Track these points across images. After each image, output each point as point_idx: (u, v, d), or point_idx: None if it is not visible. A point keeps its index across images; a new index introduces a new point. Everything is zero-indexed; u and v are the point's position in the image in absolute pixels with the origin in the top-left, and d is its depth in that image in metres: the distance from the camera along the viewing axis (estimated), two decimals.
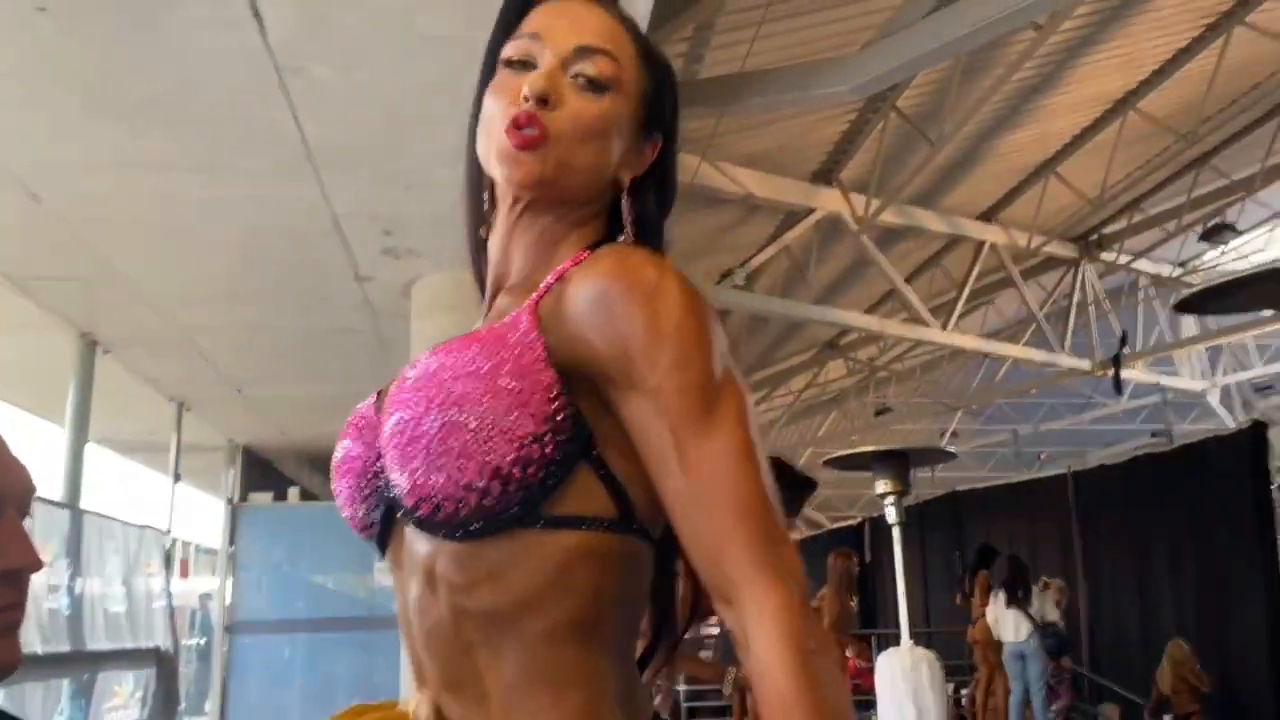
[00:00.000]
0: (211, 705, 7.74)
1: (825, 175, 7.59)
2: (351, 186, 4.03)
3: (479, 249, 1.04)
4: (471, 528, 0.81)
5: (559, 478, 0.81)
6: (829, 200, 7.59)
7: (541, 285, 0.88)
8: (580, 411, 0.82)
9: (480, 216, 1.02)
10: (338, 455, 0.95)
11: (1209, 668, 8.13)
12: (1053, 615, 7.87)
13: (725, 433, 0.79)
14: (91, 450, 6.14)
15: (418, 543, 0.86)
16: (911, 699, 6.10)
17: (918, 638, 7.23)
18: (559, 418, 0.81)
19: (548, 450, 0.80)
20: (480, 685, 0.83)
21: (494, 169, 0.92)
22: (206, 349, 6.26)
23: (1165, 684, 7.70)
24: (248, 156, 3.77)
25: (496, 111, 0.91)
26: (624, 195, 0.96)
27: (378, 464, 0.89)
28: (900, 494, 6.57)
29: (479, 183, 1.01)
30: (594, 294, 0.82)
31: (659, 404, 0.80)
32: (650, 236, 0.96)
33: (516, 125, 0.88)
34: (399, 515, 0.88)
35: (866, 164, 7.31)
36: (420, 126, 3.55)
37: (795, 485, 3.06)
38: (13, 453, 0.93)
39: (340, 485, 0.94)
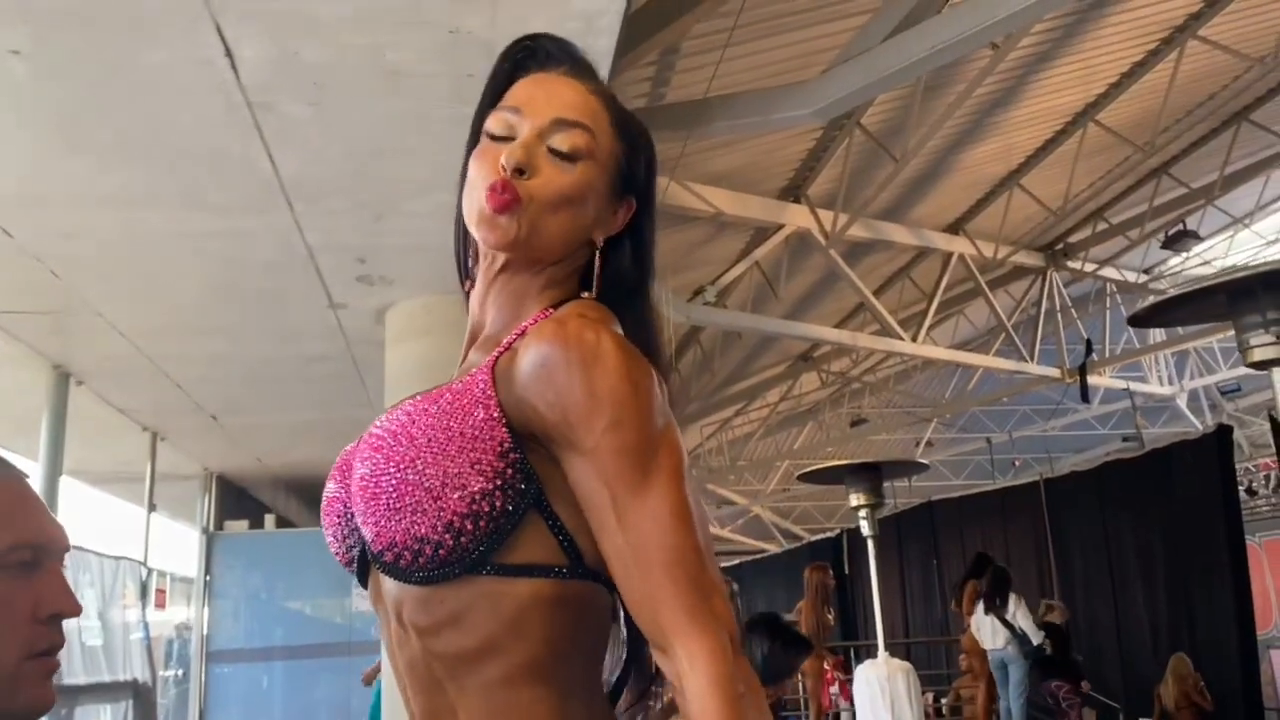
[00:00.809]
0: None
1: (793, 192, 7.69)
2: (324, 217, 4.06)
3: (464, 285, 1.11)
4: (430, 575, 0.87)
5: (510, 529, 0.87)
6: (797, 216, 7.69)
7: (503, 343, 0.95)
8: (531, 467, 0.88)
9: (466, 273, 1.10)
10: (325, 495, 1.02)
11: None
12: (1026, 625, 7.94)
13: (659, 492, 0.85)
14: (66, 483, 6.11)
15: (387, 584, 0.93)
16: (889, 709, 6.17)
17: (896, 648, 7.30)
18: (510, 473, 0.87)
19: (498, 504, 0.86)
20: (455, 719, 0.89)
21: (474, 230, 0.99)
22: (180, 378, 6.25)
23: (1169, 698, 7.78)
24: (220, 191, 3.80)
25: (478, 178, 0.98)
26: (596, 254, 1.02)
27: (351, 512, 0.96)
28: (874, 506, 6.66)
29: (465, 242, 1.08)
30: (536, 360, 0.88)
31: (597, 465, 0.85)
32: (631, 296, 1.02)
33: (493, 190, 0.95)
34: (369, 558, 0.94)
35: (833, 180, 7.41)
36: (391, 158, 3.59)
37: (790, 645, 3.13)
38: (49, 512, 1.04)
39: (326, 523, 1.01)
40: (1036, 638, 7.95)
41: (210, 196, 3.82)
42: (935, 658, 10.47)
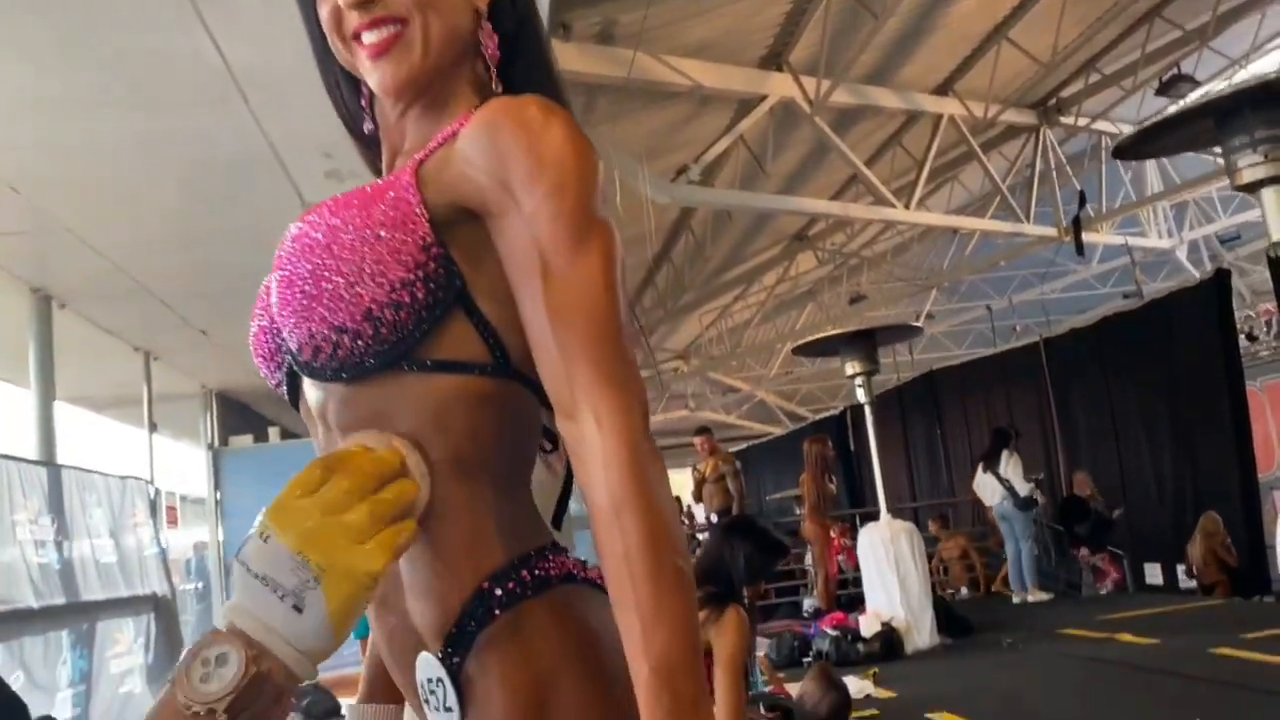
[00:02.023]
0: None
1: (774, 60, 7.46)
2: (283, 110, 3.94)
3: (359, 135, 1.07)
4: (350, 369, 0.85)
5: (432, 323, 0.84)
6: (780, 85, 7.48)
7: (428, 147, 0.90)
8: (455, 261, 0.85)
9: (356, 126, 1.06)
10: (250, 334, 0.98)
11: (1184, 515, 8.38)
12: (1018, 481, 8.11)
13: (591, 261, 0.82)
14: (65, 410, 6.12)
15: (311, 391, 0.91)
16: (894, 569, 6.28)
17: (904, 513, 7.42)
18: (432, 266, 0.84)
19: (419, 295, 0.83)
20: None
21: (369, 81, 0.95)
22: (164, 294, 6.19)
23: (1196, 555, 7.98)
24: (170, 88, 3.68)
25: (332, 27, 0.93)
26: (482, 23, 0.97)
27: (276, 327, 0.92)
28: (869, 374, 6.68)
29: (339, 92, 1.05)
30: (481, 130, 0.86)
31: (532, 229, 0.83)
32: (531, 68, 0.98)
33: (359, 39, 0.91)
34: (295, 366, 0.91)
35: (814, 45, 7.18)
36: None
37: (768, 548, 3.15)
38: None
39: (255, 353, 0.98)
40: (1024, 489, 8.10)
41: (160, 95, 3.70)
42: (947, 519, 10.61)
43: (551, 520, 1.03)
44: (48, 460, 5.65)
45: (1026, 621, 6.96)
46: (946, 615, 6.66)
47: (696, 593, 0.78)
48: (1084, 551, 8.48)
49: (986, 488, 8.35)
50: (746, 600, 3.18)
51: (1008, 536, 8.26)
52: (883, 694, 5.08)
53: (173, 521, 7.38)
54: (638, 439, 0.78)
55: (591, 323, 0.81)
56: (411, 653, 0.88)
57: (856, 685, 4.84)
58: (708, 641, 2.68)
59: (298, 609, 0.70)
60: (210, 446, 8.30)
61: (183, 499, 9.52)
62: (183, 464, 8.53)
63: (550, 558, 0.88)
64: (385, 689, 1.11)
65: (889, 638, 6.15)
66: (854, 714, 4.28)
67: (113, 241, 5.21)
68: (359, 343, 0.83)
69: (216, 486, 8.15)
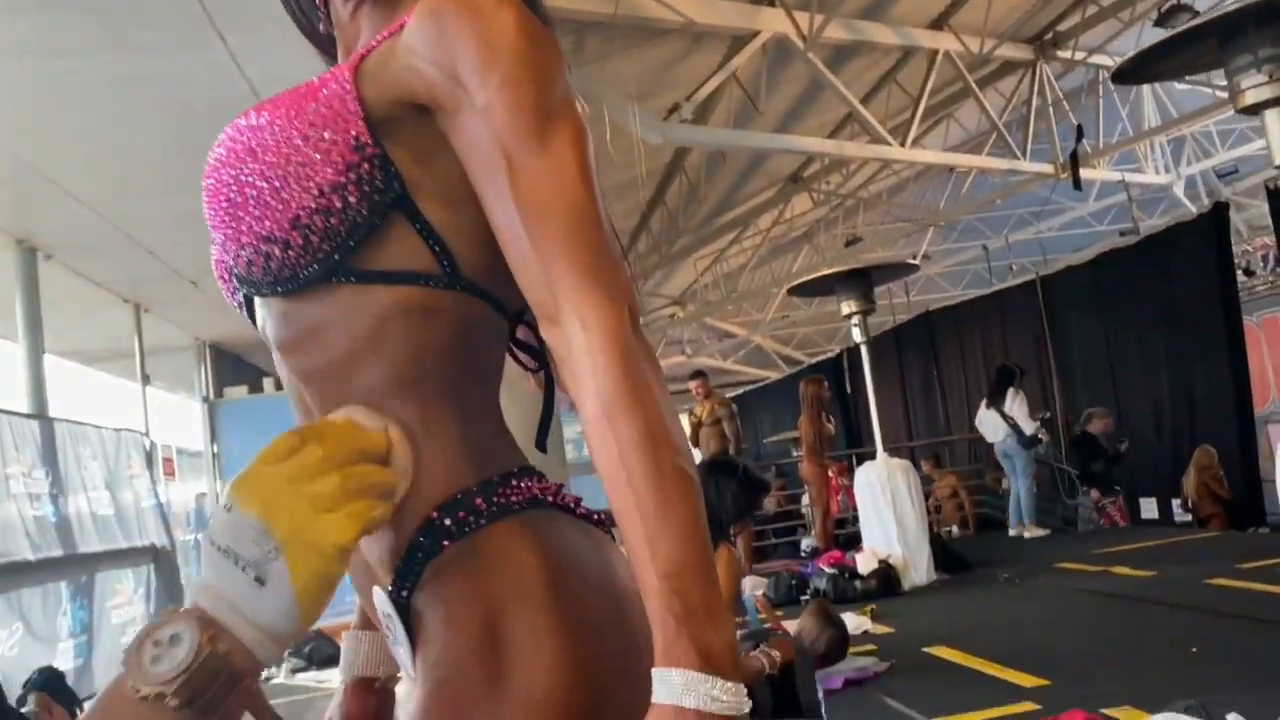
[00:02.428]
0: None
1: None
2: (262, 50, 3.84)
3: (317, 41, 1.03)
4: (284, 282, 0.79)
5: (368, 231, 0.78)
6: (772, 20, 7.33)
7: (370, 43, 0.83)
8: (393, 165, 0.78)
9: (310, 27, 1.02)
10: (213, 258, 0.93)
11: (1180, 451, 8.40)
12: (1023, 419, 8.09)
13: (558, 151, 0.75)
14: (57, 364, 6.08)
15: (258, 309, 0.86)
16: (890, 506, 6.29)
17: (900, 452, 7.43)
18: (366, 168, 0.77)
19: (352, 200, 0.77)
20: None
21: None
22: (151, 244, 6.12)
23: (1190, 488, 8.02)
24: (144, 27, 3.58)
25: None
26: None
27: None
28: (866, 313, 6.64)
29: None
30: (426, 19, 0.78)
31: (489, 121, 0.75)
32: None
33: None
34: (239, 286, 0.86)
35: None
36: None
37: (751, 485, 3.12)
38: None
39: (220, 284, 0.93)
40: (1029, 428, 8.09)
41: (133, 35, 3.60)
42: (938, 457, 10.66)
43: (535, 441, 0.98)
44: (39, 413, 5.62)
45: (1023, 557, 7.00)
46: (944, 552, 6.69)
47: (703, 496, 0.73)
48: (1095, 494, 8.49)
49: (989, 424, 8.34)
50: (739, 539, 3.19)
51: (1010, 474, 8.29)
52: (880, 630, 5.11)
53: (170, 474, 7.36)
54: (627, 338, 0.71)
55: (567, 218, 0.74)
56: (369, 587, 0.84)
57: (854, 622, 4.86)
58: None
59: (260, 581, 0.65)
60: (205, 399, 8.27)
61: (180, 452, 9.51)
62: (179, 417, 8.50)
63: (516, 483, 0.82)
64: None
65: (886, 575, 6.18)
66: (852, 649, 4.29)
67: (96, 190, 5.13)
68: (289, 253, 0.78)
69: (213, 439, 8.14)
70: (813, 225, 14.50)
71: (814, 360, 17.03)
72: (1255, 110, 2.85)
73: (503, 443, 0.86)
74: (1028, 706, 3.36)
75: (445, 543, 0.78)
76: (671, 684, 0.66)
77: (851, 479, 7.90)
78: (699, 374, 8.63)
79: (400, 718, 0.81)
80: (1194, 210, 11.31)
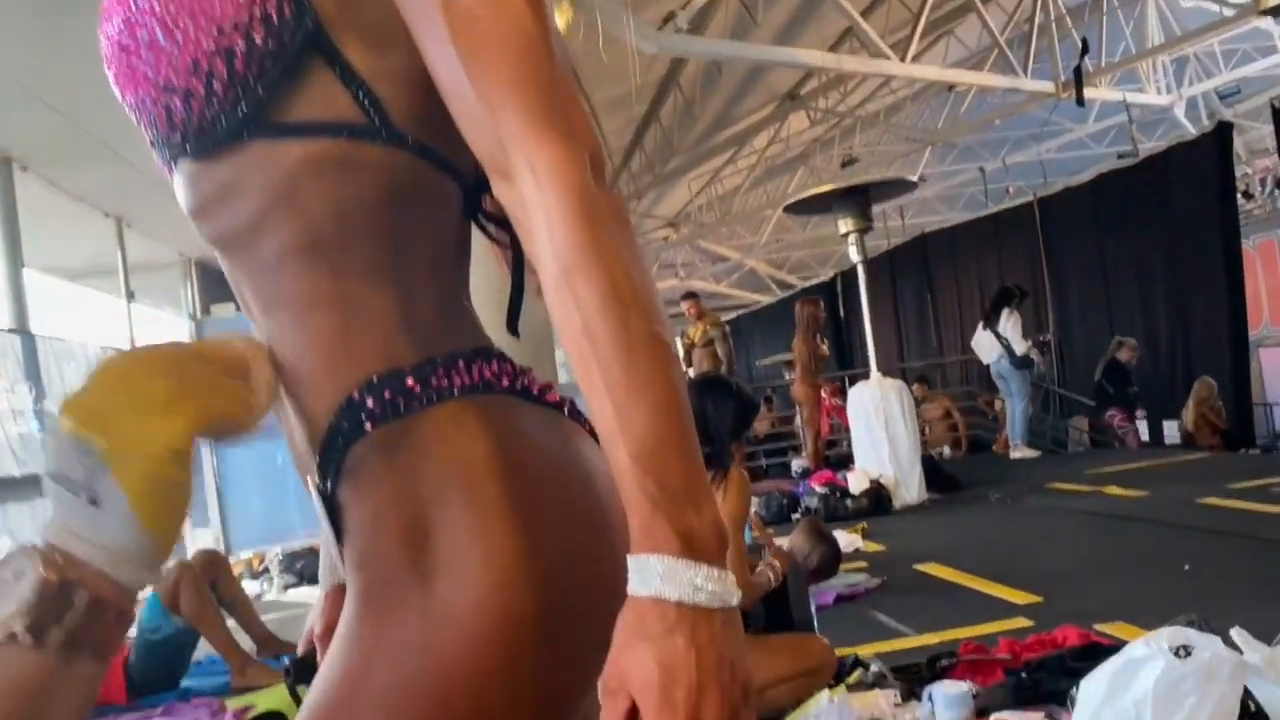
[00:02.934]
0: (212, 515, 7.90)
1: None
2: None
3: None
4: (192, 139, 0.71)
5: (279, 76, 0.68)
6: None
7: None
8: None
9: None
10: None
11: (1174, 374, 8.40)
12: (1016, 340, 8.06)
13: None
14: (39, 280, 5.96)
15: (175, 176, 0.76)
16: (883, 427, 6.28)
17: (893, 374, 7.41)
18: (272, 2, 0.68)
19: (257, 39, 0.67)
20: (251, 313, 0.77)
21: None
22: (132, 156, 5.94)
23: (1189, 420, 8.08)
24: None
25: None
26: None
27: None
28: (863, 231, 6.55)
29: None
30: None
31: None
32: None
33: None
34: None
35: None
36: None
37: (746, 404, 3.05)
38: None
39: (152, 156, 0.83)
40: (1020, 348, 8.07)
41: None
42: (932, 379, 10.66)
43: (506, 324, 0.89)
44: (21, 328, 5.53)
45: (1014, 477, 7.02)
46: (935, 472, 6.70)
47: (682, 366, 0.65)
48: (1120, 418, 8.48)
49: (984, 346, 8.32)
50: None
51: (1005, 395, 8.29)
52: (871, 547, 5.13)
53: None
54: (586, 189, 0.62)
55: (514, 56, 0.64)
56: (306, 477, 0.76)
57: (845, 539, 4.86)
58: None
59: (94, 502, 0.59)
60: (192, 316, 8.18)
61: None
62: (166, 335, 8.39)
63: (466, 365, 0.72)
64: None
65: (877, 494, 6.20)
66: (843, 566, 4.30)
67: (70, 97, 4.96)
68: (192, 105, 0.69)
69: None
70: (809, 145, 14.28)
71: (808, 284, 16.96)
72: (1277, 12, 2.72)
73: (456, 324, 0.77)
74: (1020, 622, 3.37)
75: (367, 426, 0.70)
76: (648, 572, 0.59)
77: (844, 400, 7.89)
78: (691, 295, 8.57)
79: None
80: (1194, 132, 11.16)
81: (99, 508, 0.59)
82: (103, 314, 6.91)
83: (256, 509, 7.79)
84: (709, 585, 0.59)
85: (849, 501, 6.19)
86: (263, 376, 0.71)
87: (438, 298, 0.76)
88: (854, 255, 6.51)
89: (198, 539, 7.14)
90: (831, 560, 4.16)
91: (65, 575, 0.56)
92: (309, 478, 0.75)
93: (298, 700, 1.06)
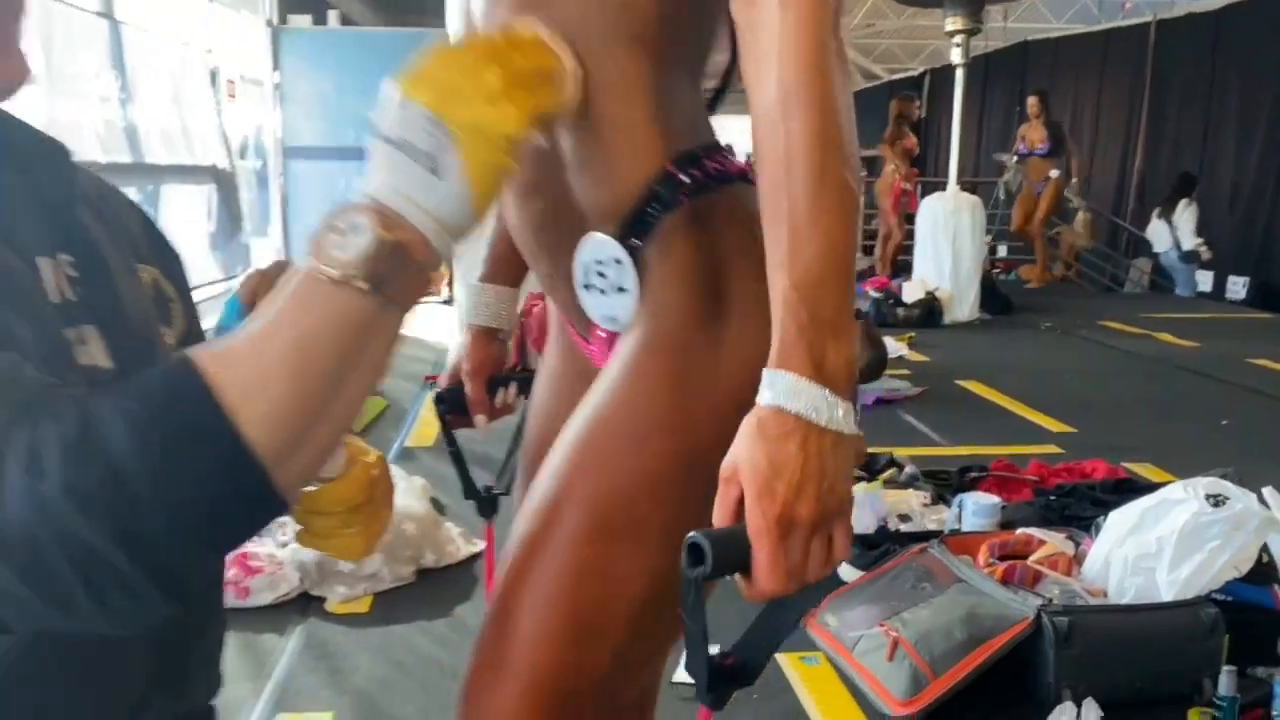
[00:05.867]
0: (274, 229, 8.08)
1: None
2: None
3: None
4: None
5: None
6: None
7: None
8: None
9: None
10: None
11: (1252, 226, 8.16)
12: (1186, 234, 7.93)
13: None
14: None
15: None
16: (950, 241, 6.22)
17: (965, 186, 7.22)
18: None
19: None
20: None
21: None
22: None
23: None
24: None
25: None
26: None
27: None
28: (971, 33, 6.21)
29: None
30: None
31: None
32: None
33: None
34: None
35: None
36: None
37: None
38: None
39: None
40: (1189, 242, 7.97)
41: None
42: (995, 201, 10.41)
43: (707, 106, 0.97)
44: (108, 13, 5.47)
45: (1069, 309, 7.01)
46: (990, 293, 6.68)
47: (860, 216, 0.71)
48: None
49: (1157, 234, 8.25)
50: None
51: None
52: (916, 357, 5.22)
53: (232, 95, 7.28)
54: (825, 29, 0.67)
55: None
56: (569, 237, 0.84)
57: (892, 346, 4.94)
58: None
59: (434, 173, 0.64)
60: (270, 23, 8.03)
61: (241, 78, 9.36)
62: (242, 43, 8.27)
63: (724, 155, 0.84)
64: (506, 274, 1.11)
65: (930, 306, 6.23)
66: (887, 371, 4.41)
67: None
68: None
69: (275, 67, 7.98)
70: None
71: (893, 76, 16.24)
72: None
73: (706, 117, 0.88)
74: (1051, 449, 3.50)
75: (683, 198, 0.80)
76: (779, 386, 0.65)
77: (914, 185, 7.81)
78: None
79: (592, 388, 0.82)
80: None
81: (438, 178, 0.64)
82: (181, 11, 6.78)
83: (317, 225, 7.95)
84: (829, 409, 0.65)
85: (900, 310, 6.23)
86: (571, 73, 0.76)
87: (700, 91, 0.87)
88: (955, 56, 6.22)
89: (256, 248, 7.35)
90: (878, 365, 4.27)
91: (398, 236, 0.61)
92: (577, 235, 0.83)
93: (446, 427, 1.17)
